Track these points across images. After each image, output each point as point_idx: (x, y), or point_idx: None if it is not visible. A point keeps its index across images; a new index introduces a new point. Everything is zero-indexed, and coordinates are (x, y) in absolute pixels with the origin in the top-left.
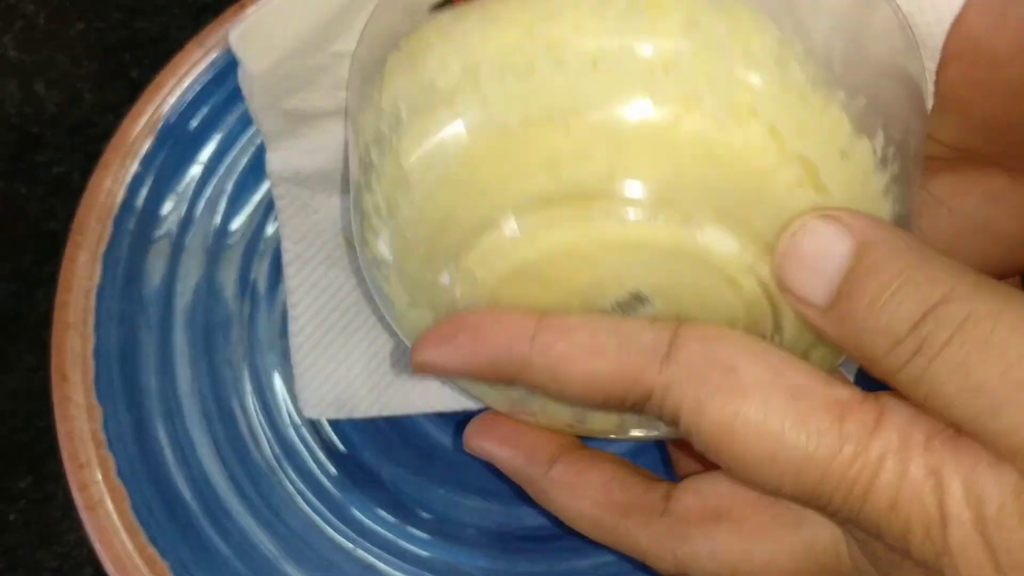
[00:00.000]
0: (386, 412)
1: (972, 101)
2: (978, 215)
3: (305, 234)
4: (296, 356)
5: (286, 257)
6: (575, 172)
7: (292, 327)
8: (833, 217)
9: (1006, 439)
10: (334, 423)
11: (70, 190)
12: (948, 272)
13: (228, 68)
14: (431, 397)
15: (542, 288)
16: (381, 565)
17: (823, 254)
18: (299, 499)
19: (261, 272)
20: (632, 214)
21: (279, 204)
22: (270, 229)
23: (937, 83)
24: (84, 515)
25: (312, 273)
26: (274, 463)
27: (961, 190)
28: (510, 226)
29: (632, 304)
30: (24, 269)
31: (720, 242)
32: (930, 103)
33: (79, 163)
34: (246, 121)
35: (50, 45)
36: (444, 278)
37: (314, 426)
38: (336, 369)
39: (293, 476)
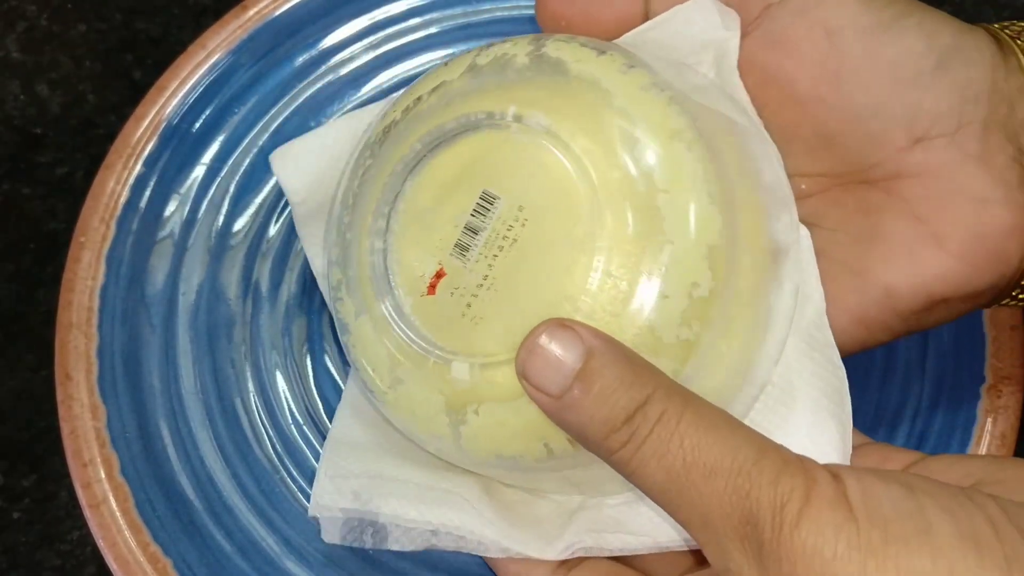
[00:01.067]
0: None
1: (792, 123)
2: (863, 230)
3: None
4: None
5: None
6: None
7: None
8: (567, 327)
9: (686, 513)
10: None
11: (72, 190)
12: (650, 377)
13: (231, 70)
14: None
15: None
16: (383, 561)
17: (558, 359)
18: (301, 497)
19: (264, 272)
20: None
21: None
22: (272, 230)
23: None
24: (87, 513)
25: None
26: (276, 461)
27: (841, 213)
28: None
29: (486, 205)
30: (26, 269)
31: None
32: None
33: (81, 163)
34: (249, 122)
35: (52, 46)
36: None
37: (315, 425)
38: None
39: (295, 474)
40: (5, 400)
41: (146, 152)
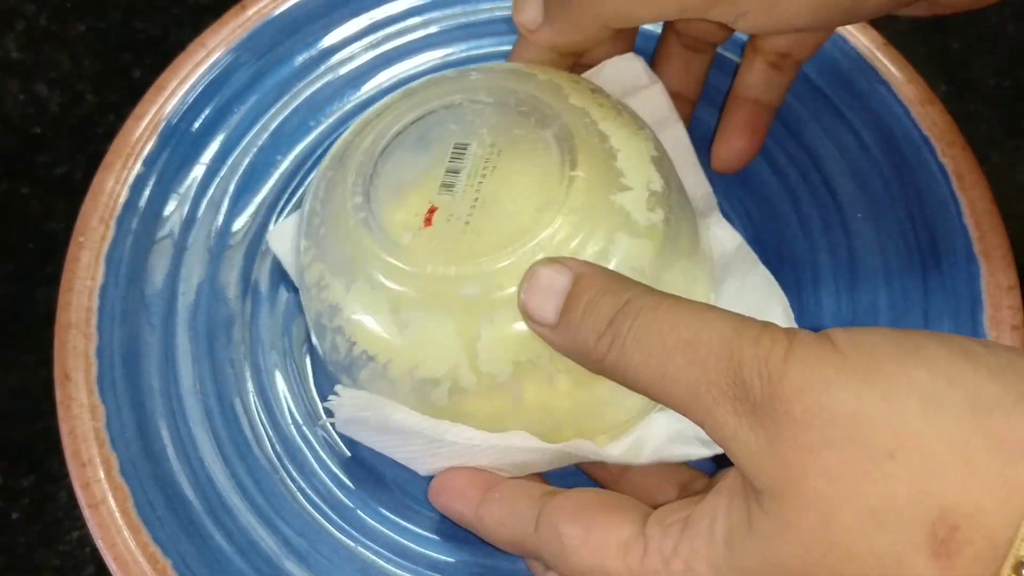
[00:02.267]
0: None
1: None
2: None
3: None
4: None
5: None
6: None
7: None
8: (557, 260)
9: (677, 395)
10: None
11: (71, 190)
12: (630, 286)
13: (230, 69)
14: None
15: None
16: (382, 563)
17: (551, 285)
18: (300, 497)
19: (263, 272)
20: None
21: None
22: (272, 229)
23: None
24: (87, 513)
25: None
26: (276, 461)
27: None
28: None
29: (460, 152)
30: (25, 269)
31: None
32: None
33: (80, 163)
34: (248, 121)
35: (51, 46)
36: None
37: (315, 425)
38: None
39: (295, 474)
40: (4, 400)
41: (145, 152)
